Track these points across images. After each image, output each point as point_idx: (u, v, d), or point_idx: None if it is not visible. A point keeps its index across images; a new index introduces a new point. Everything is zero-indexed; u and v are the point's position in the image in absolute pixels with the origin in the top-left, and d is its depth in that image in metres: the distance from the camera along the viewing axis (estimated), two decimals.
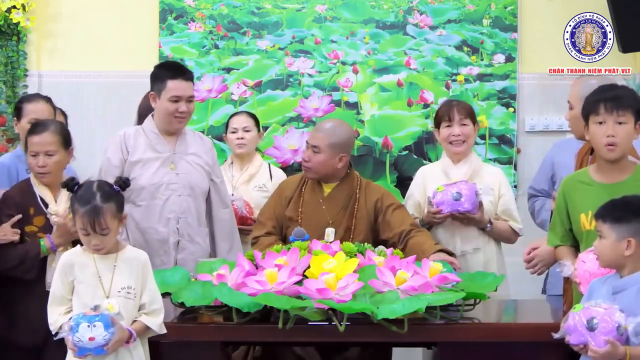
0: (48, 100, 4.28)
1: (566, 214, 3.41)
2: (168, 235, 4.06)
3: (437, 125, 4.28)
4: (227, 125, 4.83)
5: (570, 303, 3.62)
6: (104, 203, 3.02)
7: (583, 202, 3.20)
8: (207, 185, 4.18)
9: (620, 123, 3.25)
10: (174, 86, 4.08)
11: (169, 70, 4.17)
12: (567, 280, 3.80)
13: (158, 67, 4.27)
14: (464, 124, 4.20)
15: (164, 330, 3.10)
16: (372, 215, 4.08)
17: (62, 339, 2.99)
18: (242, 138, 4.71)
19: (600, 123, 3.26)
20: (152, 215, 4.05)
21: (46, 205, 3.75)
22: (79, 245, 3.13)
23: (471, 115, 4.24)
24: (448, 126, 4.21)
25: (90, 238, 3.02)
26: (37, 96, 4.32)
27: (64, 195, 3.69)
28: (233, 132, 4.74)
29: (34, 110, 4.18)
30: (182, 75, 4.11)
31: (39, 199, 3.75)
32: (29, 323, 3.64)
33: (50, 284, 3.42)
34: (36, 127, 3.84)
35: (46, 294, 3.35)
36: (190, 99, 4.13)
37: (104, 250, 3.05)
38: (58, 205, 3.74)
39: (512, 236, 4.25)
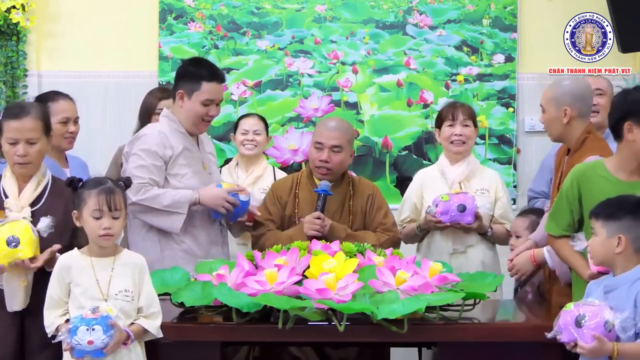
0: (71, 98, 4.19)
1: (578, 203, 3.40)
2: (219, 237, 4.03)
3: (439, 125, 4.32)
4: (236, 125, 4.81)
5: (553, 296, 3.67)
6: (116, 187, 3.07)
7: (604, 197, 3.15)
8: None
9: None
10: (210, 89, 3.91)
11: (205, 70, 3.95)
12: (548, 280, 3.83)
13: (192, 65, 4.01)
14: (466, 125, 4.26)
15: (161, 334, 3.10)
16: (365, 209, 4.10)
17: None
18: (252, 140, 4.70)
19: None
20: (199, 218, 3.95)
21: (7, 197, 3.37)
22: (75, 249, 3.12)
23: (473, 117, 4.32)
24: (450, 125, 4.27)
25: (102, 221, 3.02)
26: (60, 94, 4.17)
27: (30, 188, 3.39)
28: (243, 134, 4.73)
29: (65, 110, 4.07)
30: (217, 78, 3.94)
31: (1, 190, 3.39)
32: None
33: None
34: (13, 110, 3.41)
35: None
36: (218, 103, 3.98)
37: (112, 239, 3.05)
38: (20, 199, 3.36)
39: (507, 238, 4.29)
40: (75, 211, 3.10)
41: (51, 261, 3.24)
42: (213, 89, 3.92)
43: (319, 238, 3.70)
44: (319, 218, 3.93)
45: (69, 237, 3.36)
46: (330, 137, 4.05)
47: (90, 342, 2.89)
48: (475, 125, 4.33)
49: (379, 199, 4.14)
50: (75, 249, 3.13)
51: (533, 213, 4.11)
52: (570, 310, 2.95)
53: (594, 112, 4.40)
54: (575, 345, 2.92)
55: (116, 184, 3.10)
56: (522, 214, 4.16)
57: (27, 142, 3.35)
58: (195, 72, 3.93)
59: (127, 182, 3.17)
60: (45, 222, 3.27)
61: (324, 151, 4.04)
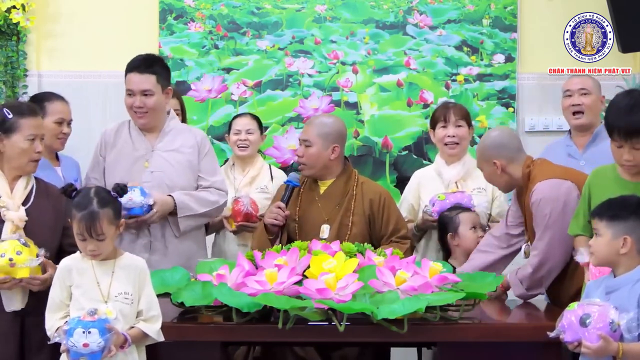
0: (66, 100, 4.24)
1: (588, 205, 3.44)
2: (137, 234, 4.00)
3: (433, 126, 4.34)
4: (230, 126, 4.81)
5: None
6: (101, 208, 3.02)
7: (607, 197, 3.18)
8: (190, 182, 4.08)
9: (636, 148, 3.27)
10: (127, 79, 4.05)
11: (130, 63, 4.09)
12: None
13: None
14: (459, 126, 4.28)
15: (162, 338, 3.09)
16: (369, 213, 4.06)
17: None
18: (245, 140, 4.69)
19: (619, 147, 3.30)
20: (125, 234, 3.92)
21: None
22: (78, 252, 3.12)
23: (466, 117, 4.32)
24: (443, 127, 4.29)
25: (86, 243, 3.02)
26: (55, 95, 4.23)
27: (21, 187, 3.41)
28: (236, 134, 4.73)
29: (60, 111, 4.15)
30: (136, 68, 4.03)
31: None
32: None
33: None
34: (25, 108, 3.47)
35: None
36: (146, 93, 4.01)
37: (100, 256, 3.05)
38: (13, 197, 3.37)
39: None
40: (69, 219, 3.10)
41: (47, 282, 3.24)
42: (130, 78, 4.04)
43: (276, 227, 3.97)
44: (279, 207, 4.02)
45: (60, 236, 3.40)
46: (303, 132, 4.15)
47: (85, 345, 2.89)
48: (470, 125, 4.33)
49: (389, 204, 4.08)
50: (78, 252, 3.11)
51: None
52: (574, 310, 2.95)
53: (579, 112, 4.40)
54: (579, 344, 2.91)
55: (103, 205, 3.02)
56: None
57: (41, 138, 3.43)
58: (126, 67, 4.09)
59: (122, 192, 3.14)
60: (40, 253, 3.29)
61: (301, 146, 4.11)
